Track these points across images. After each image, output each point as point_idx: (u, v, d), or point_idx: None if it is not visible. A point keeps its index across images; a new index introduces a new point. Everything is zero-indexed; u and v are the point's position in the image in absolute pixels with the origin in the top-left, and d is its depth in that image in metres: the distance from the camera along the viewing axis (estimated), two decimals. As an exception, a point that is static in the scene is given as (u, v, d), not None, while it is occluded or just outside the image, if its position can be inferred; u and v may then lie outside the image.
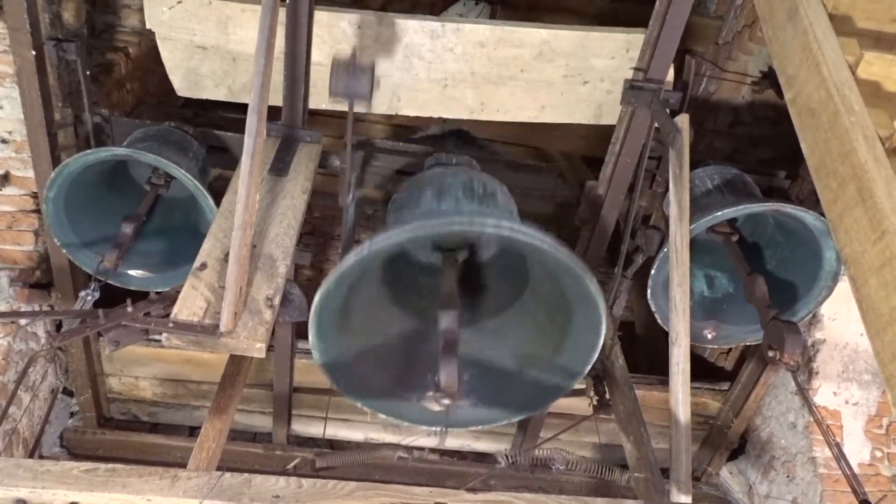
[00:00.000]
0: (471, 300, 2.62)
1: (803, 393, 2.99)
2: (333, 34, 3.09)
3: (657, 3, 2.80)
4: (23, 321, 3.56)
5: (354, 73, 2.62)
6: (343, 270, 2.02)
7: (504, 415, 2.54)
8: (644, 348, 5.06)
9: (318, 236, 5.39)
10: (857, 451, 3.72)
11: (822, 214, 2.64)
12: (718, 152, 4.57)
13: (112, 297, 2.70)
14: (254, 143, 2.16)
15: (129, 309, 2.23)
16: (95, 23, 3.90)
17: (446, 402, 2.14)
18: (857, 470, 2.90)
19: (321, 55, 3.10)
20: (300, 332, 3.92)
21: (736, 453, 4.38)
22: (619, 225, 3.39)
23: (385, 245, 2.02)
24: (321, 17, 3.00)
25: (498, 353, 2.64)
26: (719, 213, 2.96)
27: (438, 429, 2.28)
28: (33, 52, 2.85)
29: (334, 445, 4.47)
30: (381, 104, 3.31)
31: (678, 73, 3.17)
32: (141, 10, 3.29)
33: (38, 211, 3.48)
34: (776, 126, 4.43)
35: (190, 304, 2.17)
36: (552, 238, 2.01)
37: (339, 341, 2.37)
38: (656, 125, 2.91)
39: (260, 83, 2.19)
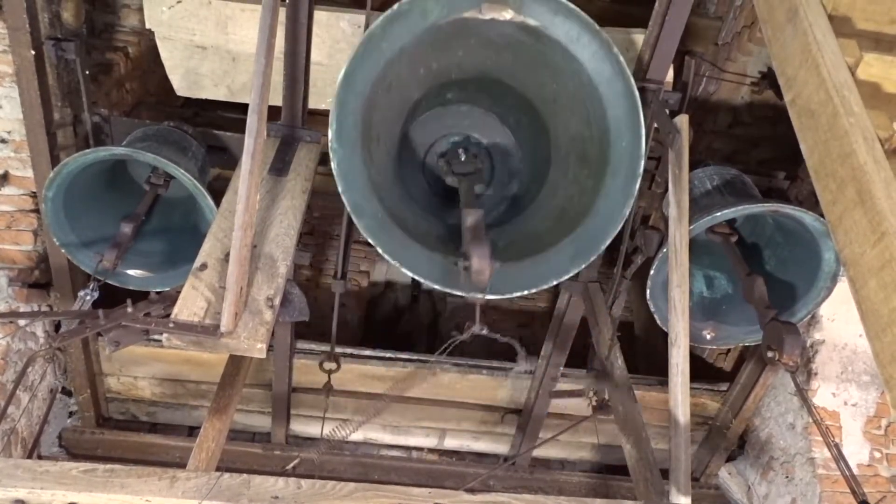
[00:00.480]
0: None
1: (802, 394, 2.99)
2: (333, 34, 3.09)
3: (657, 4, 2.80)
4: (22, 321, 3.56)
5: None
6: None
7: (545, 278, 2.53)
8: (643, 349, 5.07)
9: (317, 236, 5.39)
10: (856, 452, 3.72)
11: (822, 215, 2.65)
12: (718, 153, 4.57)
13: (111, 298, 2.70)
14: (254, 143, 2.16)
15: (130, 309, 2.22)
16: (95, 22, 3.89)
17: (480, 286, 2.19)
18: (855, 471, 2.90)
19: (321, 55, 3.10)
20: (300, 332, 3.92)
21: (735, 454, 4.39)
22: (618, 225, 3.39)
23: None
24: (321, 17, 3.00)
25: (532, 219, 2.73)
26: (718, 214, 2.96)
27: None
28: (32, 52, 2.85)
29: (333, 446, 4.48)
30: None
31: (677, 73, 3.17)
32: (140, 9, 3.29)
33: (37, 211, 3.48)
34: (775, 127, 4.43)
35: (190, 305, 2.17)
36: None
37: (358, 155, 2.36)
38: (655, 125, 2.91)
39: (260, 83, 2.19)
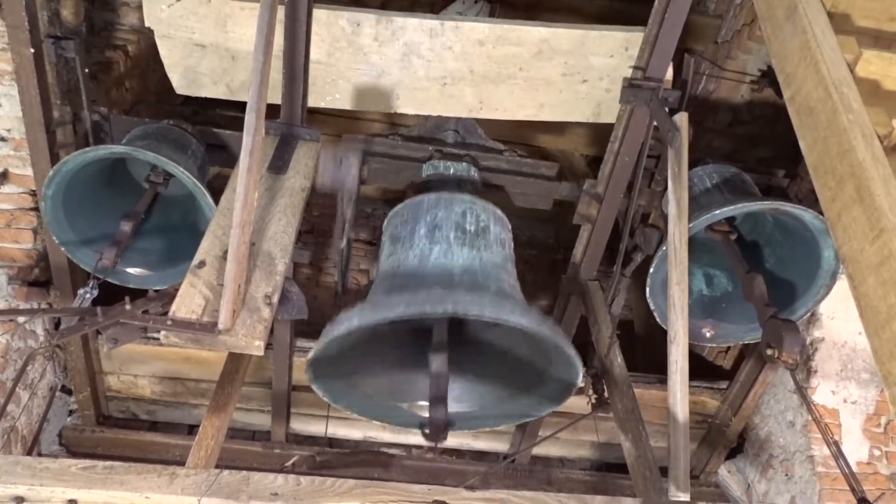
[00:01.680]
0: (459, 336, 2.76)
1: (802, 391, 2.99)
2: (332, 32, 3.09)
3: (656, 2, 2.80)
4: (21, 319, 3.56)
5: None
6: (327, 342, 2.29)
7: (492, 422, 2.83)
8: (643, 347, 5.07)
9: (316, 235, 5.39)
10: (856, 449, 3.72)
11: (821, 213, 2.65)
12: (717, 151, 4.57)
13: (111, 295, 2.70)
14: (252, 141, 2.16)
15: (128, 307, 2.22)
16: (94, 21, 3.89)
17: (433, 441, 2.39)
18: (855, 468, 2.90)
19: (320, 53, 3.10)
20: (299, 330, 3.92)
21: (734, 452, 4.39)
22: (617, 223, 3.39)
23: (369, 322, 2.22)
24: (320, 15, 3.00)
25: (487, 372, 2.82)
26: (718, 212, 2.96)
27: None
28: (32, 50, 2.85)
29: (333, 444, 4.48)
30: (380, 102, 3.31)
31: (677, 71, 3.17)
32: (140, 7, 3.28)
33: (36, 209, 3.48)
34: (775, 125, 4.43)
35: (188, 302, 2.17)
36: (526, 316, 2.22)
37: (336, 377, 2.59)
38: (655, 124, 2.91)
39: (259, 81, 2.19)
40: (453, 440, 4.54)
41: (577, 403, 3.64)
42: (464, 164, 3.30)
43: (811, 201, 3.15)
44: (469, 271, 2.60)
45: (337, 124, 4.75)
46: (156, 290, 2.33)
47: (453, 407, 2.54)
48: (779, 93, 2.27)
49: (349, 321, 2.20)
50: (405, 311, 2.17)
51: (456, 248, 2.69)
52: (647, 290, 3.11)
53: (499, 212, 2.98)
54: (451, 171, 3.27)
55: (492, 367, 2.80)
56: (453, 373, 2.54)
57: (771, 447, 4.06)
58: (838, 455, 2.49)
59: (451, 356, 2.49)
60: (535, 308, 2.30)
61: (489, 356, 2.79)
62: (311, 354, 2.36)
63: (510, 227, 3.02)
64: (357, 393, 2.71)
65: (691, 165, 3.05)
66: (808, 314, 3.41)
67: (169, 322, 2.11)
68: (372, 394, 2.75)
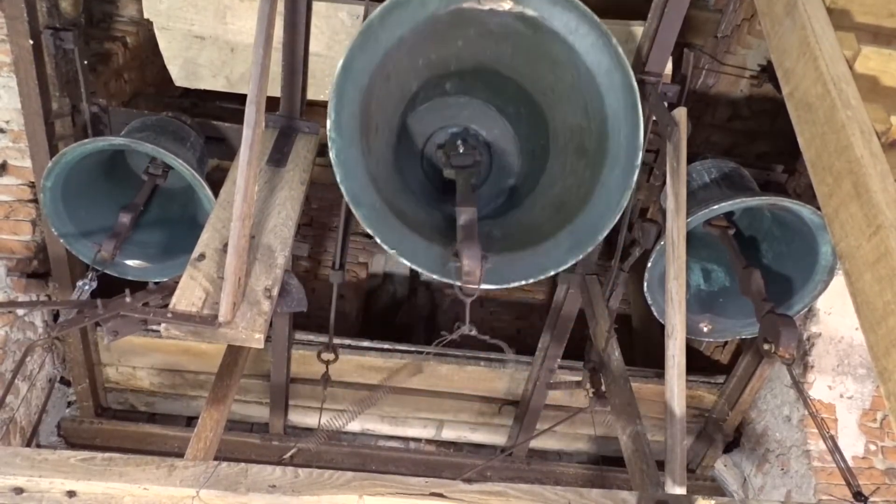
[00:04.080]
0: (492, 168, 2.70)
1: (798, 386, 3.01)
2: (332, 25, 3.09)
3: (656, -4, 2.80)
4: (20, 311, 3.57)
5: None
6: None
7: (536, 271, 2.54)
8: (640, 341, 5.09)
9: (315, 227, 5.40)
10: (851, 444, 3.74)
11: (819, 209, 2.65)
12: (716, 146, 4.58)
13: (109, 288, 2.71)
14: (252, 134, 2.17)
15: (128, 299, 2.23)
16: (93, 12, 3.88)
17: (471, 288, 2.22)
18: (850, 463, 2.91)
19: (320, 46, 3.10)
20: (298, 323, 3.93)
21: (731, 446, 4.41)
22: (616, 218, 3.39)
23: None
24: (319, 7, 3.00)
25: (530, 211, 2.75)
26: (716, 207, 2.97)
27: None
28: (31, 41, 2.85)
29: (331, 436, 4.49)
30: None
31: (676, 66, 3.17)
32: (139, -1, 3.28)
33: (35, 201, 3.48)
34: (774, 120, 4.43)
35: (188, 295, 2.18)
36: None
37: (356, 145, 2.37)
38: (654, 118, 2.91)
39: (258, 73, 2.19)
40: (451, 433, 4.56)
41: (575, 397, 3.65)
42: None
43: (809, 197, 3.15)
44: None
45: (336, 117, 4.74)
46: (155, 283, 2.33)
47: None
48: (778, 88, 2.28)
49: None
50: None
51: None
52: (645, 284, 3.12)
53: None
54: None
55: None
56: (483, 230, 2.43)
57: (767, 442, 4.07)
58: (834, 450, 2.50)
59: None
60: None
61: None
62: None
63: None
64: (387, 212, 2.45)
65: (690, 160, 3.05)
66: (805, 309, 3.42)
67: (169, 315, 2.12)
68: (401, 217, 2.50)
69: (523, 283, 2.48)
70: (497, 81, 2.82)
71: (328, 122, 2.25)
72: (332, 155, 2.26)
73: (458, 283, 2.33)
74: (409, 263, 2.38)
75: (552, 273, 2.54)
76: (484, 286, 2.30)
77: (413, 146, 2.97)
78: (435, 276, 2.42)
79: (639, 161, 2.46)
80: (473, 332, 2.33)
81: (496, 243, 2.34)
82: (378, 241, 2.32)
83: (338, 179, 2.27)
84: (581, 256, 2.54)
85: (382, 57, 2.33)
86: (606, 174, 2.52)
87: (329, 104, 2.25)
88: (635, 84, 2.44)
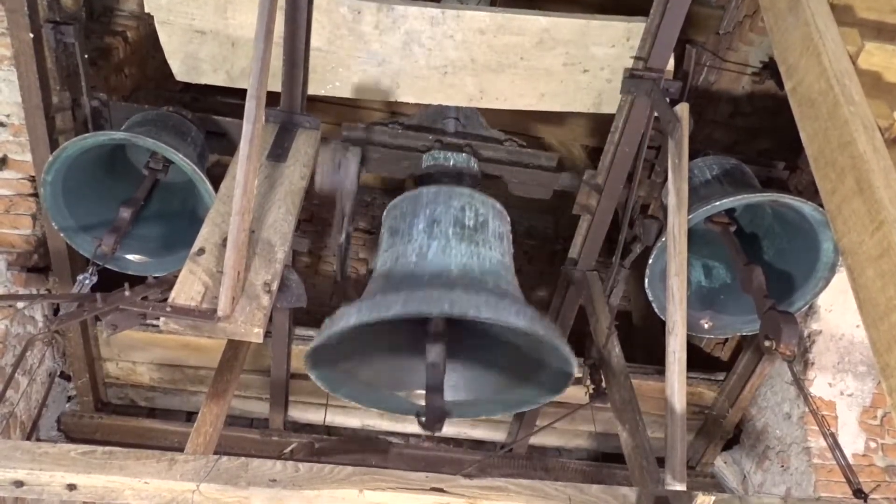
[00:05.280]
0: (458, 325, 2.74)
1: (799, 383, 3.00)
2: (333, 19, 3.08)
3: (658, -8, 2.79)
4: (20, 305, 3.56)
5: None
6: (325, 336, 2.30)
7: (489, 410, 2.80)
8: (641, 338, 5.08)
9: (315, 223, 5.39)
10: (852, 441, 3.74)
11: (821, 205, 2.65)
12: (718, 143, 4.56)
13: (109, 282, 2.70)
14: (252, 129, 2.16)
15: (127, 293, 2.22)
16: (94, 6, 3.87)
17: (430, 430, 2.37)
18: (851, 460, 2.91)
19: (321, 41, 3.09)
20: (298, 318, 3.93)
21: (731, 443, 4.41)
22: (617, 214, 3.39)
23: (366, 321, 2.23)
24: (321, 1, 2.98)
25: (484, 362, 2.83)
26: (717, 203, 2.96)
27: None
28: (31, 35, 2.84)
29: (331, 431, 4.49)
30: (381, 91, 3.30)
31: (678, 62, 3.16)
32: (139, -7, 3.27)
33: (35, 195, 3.47)
34: (776, 117, 4.42)
35: (188, 289, 2.17)
36: (521, 316, 2.24)
37: (334, 367, 2.59)
38: (656, 114, 2.91)
39: (259, 68, 2.19)
40: (451, 429, 4.56)
41: (575, 393, 3.64)
42: (464, 154, 3.29)
43: (811, 193, 3.15)
44: (467, 269, 2.63)
45: (337, 112, 4.75)
46: (155, 277, 2.33)
47: (451, 395, 2.55)
48: (780, 84, 2.27)
49: (346, 319, 2.24)
50: (402, 310, 2.20)
51: (454, 244, 2.71)
52: (646, 281, 3.12)
53: (498, 205, 2.98)
54: (451, 163, 3.26)
55: (489, 356, 2.81)
56: (451, 361, 2.55)
57: (767, 439, 4.07)
58: (834, 447, 2.50)
59: (449, 345, 2.50)
60: (530, 308, 2.33)
61: (487, 346, 2.81)
62: (309, 346, 2.38)
63: (509, 220, 3.02)
64: (355, 381, 2.73)
65: (691, 157, 3.04)
66: (806, 306, 3.42)
67: (168, 309, 2.12)
68: (370, 382, 2.76)
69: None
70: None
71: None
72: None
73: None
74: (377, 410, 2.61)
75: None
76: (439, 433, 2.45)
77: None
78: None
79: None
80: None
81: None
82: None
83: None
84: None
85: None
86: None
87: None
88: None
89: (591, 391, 3.37)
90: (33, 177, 3.43)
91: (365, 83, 3.26)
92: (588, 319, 3.54)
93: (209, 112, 3.36)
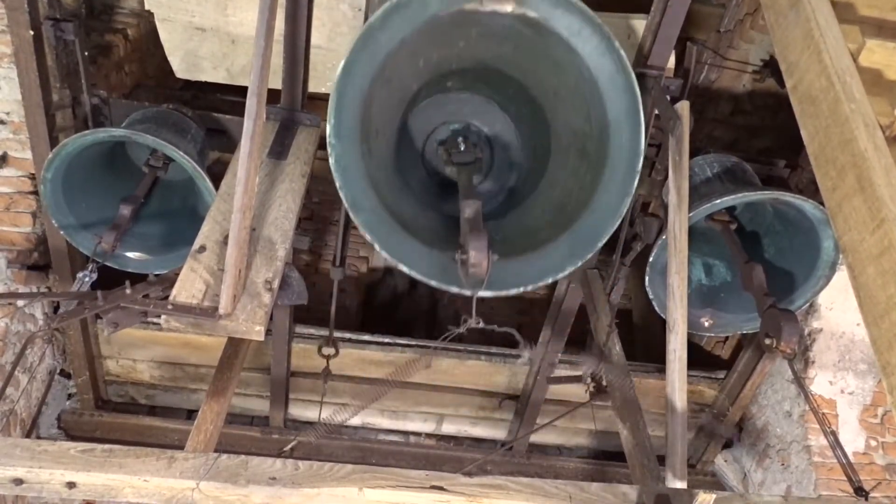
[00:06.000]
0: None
1: (799, 381, 3.00)
2: (333, 17, 3.08)
3: (659, -10, 2.79)
4: (20, 302, 3.56)
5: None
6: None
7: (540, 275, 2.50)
8: (641, 336, 5.08)
9: (316, 221, 5.38)
10: (852, 440, 3.74)
11: (822, 204, 2.64)
12: (718, 141, 4.56)
13: (110, 280, 2.70)
14: (253, 126, 2.16)
15: (128, 291, 2.22)
16: (94, 3, 3.87)
17: (477, 279, 2.18)
18: (851, 459, 2.92)
19: (321, 38, 3.09)
20: (298, 316, 3.93)
21: (731, 441, 4.41)
22: (617, 212, 3.38)
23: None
24: (321, -1, 2.99)
25: (530, 213, 2.72)
26: (718, 201, 2.96)
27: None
28: (31, 33, 2.84)
29: (331, 430, 4.49)
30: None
31: (679, 60, 3.16)
32: (140, -9, 3.27)
33: (35, 192, 3.47)
34: (776, 115, 4.42)
35: (189, 287, 2.17)
36: None
37: (356, 149, 2.33)
38: (656, 112, 2.90)
39: (259, 66, 2.18)
40: (451, 427, 4.56)
41: (576, 391, 3.64)
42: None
43: (812, 191, 3.15)
44: None
45: (337, 110, 4.73)
46: (155, 275, 2.33)
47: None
48: (780, 83, 2.27)
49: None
50: None
51: None
52: (647, 279, 3.11)
53: None
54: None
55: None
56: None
57: (768, 437, 4.07)
58: (835, 445, 2.50)
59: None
60: None
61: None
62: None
63: None
64: (392, 225, 2.43)
65: (692, 155, 3.04)
66: (807, 305, 3.41)
67: (169, 306, 2.12)
68: (403, 221, 2.47)
69: (521, 290, 2.43)
70: (499, 80, 2.80)
71: (328, 127, 2.21)
72: (331, 160, 2.22)
73: (457, 289, 2.30)
74: (407, 270, 2.34)
75: (551, 280, 2.50)
76: (482, 293, 2.27)
77: (414, 145, 2.93)
78: (433, 283, 2.39)
79: (640, 166, 2.43)
80: (481, 325, 2.31)
81: (496, 246, 2.32)
82: (377, 247, 2.28)
83: (337, 185, 2.23)
84: (580, 264, 2.49)
85: (383, 60, 2.30)
86: (607, 179, 2.49)
87: (329, 108, 2.21)
88: (637, 89, 2.40)
89: (591, 389, 3.37)
90: (33, 174, 3.43)
91: (365, 81, 3.26)
92: (589, 317, 3.54)
93: (209, 109, 3.35)
